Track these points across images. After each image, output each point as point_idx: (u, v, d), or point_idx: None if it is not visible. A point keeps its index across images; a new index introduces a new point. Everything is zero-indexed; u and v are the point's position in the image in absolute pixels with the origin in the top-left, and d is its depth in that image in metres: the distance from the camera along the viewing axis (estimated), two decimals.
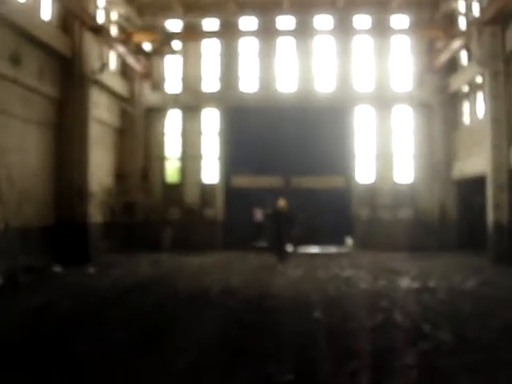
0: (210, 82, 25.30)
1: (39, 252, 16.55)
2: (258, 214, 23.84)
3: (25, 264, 15.35)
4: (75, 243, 17.78)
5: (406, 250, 21.41)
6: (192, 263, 18.77)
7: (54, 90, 17.85)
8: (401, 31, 23.72)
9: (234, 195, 24.65)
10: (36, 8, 16.64)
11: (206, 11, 24.43)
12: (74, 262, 17.14)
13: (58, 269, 16.40)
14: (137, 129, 24.51)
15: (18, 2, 15.46)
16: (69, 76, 18.30)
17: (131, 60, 22.90)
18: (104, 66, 19.10)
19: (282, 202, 18.13)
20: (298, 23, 24.14)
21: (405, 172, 24.71)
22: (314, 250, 23.64)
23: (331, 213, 23.83)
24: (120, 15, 23.31)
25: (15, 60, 15.22)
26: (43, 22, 16.95)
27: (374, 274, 15.17)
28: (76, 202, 18.11)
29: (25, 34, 15.69)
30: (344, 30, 23.59)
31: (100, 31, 18.62)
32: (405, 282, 13.51)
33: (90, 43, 18.69)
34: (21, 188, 15.94)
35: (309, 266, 17.48)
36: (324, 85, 24.82)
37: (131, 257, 20.75)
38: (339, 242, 23.95)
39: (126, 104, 24.21)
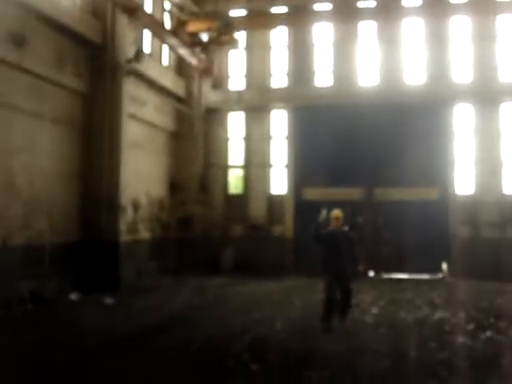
0: (279, 78, 21.79)
1: (54, 275, 13.60)
2: None
3: (28, 290, 12.45)
4: (101, 265, 14.70)
5: None
6: (245, 292, 15.29)
7: (78, 82, 14.92)
8: (507, 7, 19.20)
9: (306, 209, 20.63)
10: None
11: None
12: (99, 288, 14.12)
13: (74, 296, 13.46)
14: (195, 132, 21.31)
15: None
16: (98, 66, 15.35)
17: (185, 53, 19.77)
18: (140, 53, 15.94)
19: (336, 216, 10.28)
20: (380, 3, 20.18)
21: None
22: (401, 276, 19.51)
23: (423, 231, 19.61)
24: (174, 3, 20.31)
25: (18, 42, 12.36)
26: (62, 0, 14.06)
27: (476, 316, 11.08)
28: (104, 215, 15.06)
29: (36, 14, 12.85)
30: (437, 8, 19.38)
31: (136, 13, 15.55)
32: None
33: (124, 28, 15.77)
34: (28, 197, 13.03)
35: (390, 301, 13.54)
36: (414, 76, 20.63)
37: (179, 280, 17.62)
38: (433, 266, 19.59)
39: (182, 104, 21.14)
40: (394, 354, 7.97)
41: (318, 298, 13.52)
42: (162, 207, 20.17)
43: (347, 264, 10.15)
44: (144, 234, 18.70)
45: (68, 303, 12.72)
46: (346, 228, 10.47)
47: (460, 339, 9.06)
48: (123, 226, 15.81)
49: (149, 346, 8.64)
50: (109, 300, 12.91)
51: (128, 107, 16.33)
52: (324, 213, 10.14)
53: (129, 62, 15.70)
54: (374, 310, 12.04)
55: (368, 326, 10.23)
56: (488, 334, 9.46)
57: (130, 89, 16.66)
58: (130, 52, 15.93)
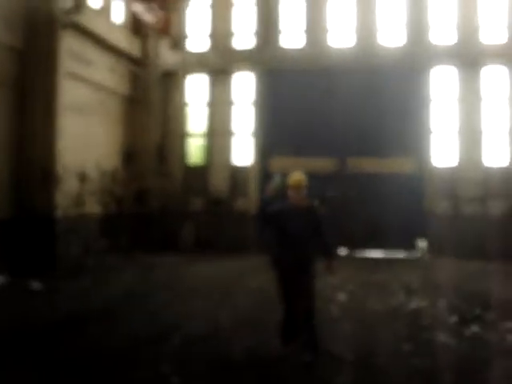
0: (244, 38, 19.87)
1: None
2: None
3: None
4: (35, 244, 12.90)
5: (500, 256, 15.46)
6: (198, 273, 13.67)
7: (10, 36, 12.98)
8: None
9: None
10: None
11: None
12: (32, 270, 12.34)
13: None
14: (151, 97, 19.43)
15: None
16: (32, 18, 13.37)
17: (140, 9, 17.80)
18: (80, 3, 13.94)
19: (297, 183, 6.73)
20: None
21: (498, 153, 18.54)
22: (374, 254, 18.01)
23: (399, 206, 18.05)
24: None
25: None
26: None
27: (459, 305, 9.54)
28: (38, 187, 13.22)
29: None
30: None
31: None
32: None
33: None
34: None
35: (360, 284, 11.99)
36: (390, 37, 18.88)
37: (130, 260, 15.98)
38: (409, 244, 18.10)
39: (137, 66, 19.22)
40: (358, 362, 6.36)
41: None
42: (115, 179, 18.31)
43: (310, 259, 6.70)
44: (93, 208, 16.88)
45: None
46: (312, 202, 6.89)
47: (440, 337, 7.47)
48: (63, 199, 13.97)
49: (45, 348, 6.93)
50: (36, 284, 11.15)
51: (69, 65, 14.46)
52: (277, 180, 7.13)
53: (67, 13, 13.71)
54: (341, 297, 10.46)
55: (331, 319, 8.57)
56: (474, 329, 7.91)
57: (73, 45, 14.81)
58: (69, 2, 13.94)
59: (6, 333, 7.56)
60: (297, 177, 6.77)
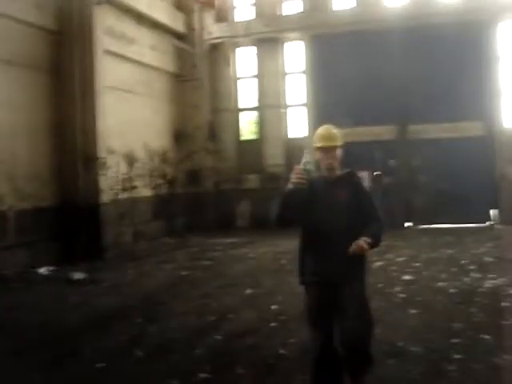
0: (292, 3, 18.79)
1: (19, 247, 11.39)
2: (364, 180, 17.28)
3: None
4: (80, 231, 12.42)
5: None
6: (253, 255, 12.96)
7: (41, 15, 12.37)
8: None
9: None
10: None
11: None
12: (77, 259, 11.94)
13: (44, 271, 11.17)
14: (199, 73, 18.63)
15: None
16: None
17: None
18: None
19: (327, 138, 4.29)
20: None
21: None
22: (442, 226, 16.79)
23: (467, 173, 16.76)
24: None
25: None
26: None
27: None
28: (81, 172, 12.66)
29: None
30: None
31: None
32: None
33: None
34: None
35: (427, 261, 10.93)
36: None
37: (183, 242, 15.43)
38: (479, 214, 16.76)
39: (182, 42, 18.45)
40: (431, 361, 5.38)
41: None
42: (165, 160, 17.77)
43: (356, 259, 4.10)
44: (144, 191, 16.39)
45: (28, 280, 10.36)
46: (351, 170, 4.44)
47: None
48: (109, 183, 13.47)
49: (60, 352, 6.19)
50: (79, 275, 10.56)
51: (108, 44, 13.85)
52: (308, 157, 4.11)
53: None
54: (407, 276, 9.46)
55: (396, 303, 7.62)
56: None
57: (110, 22, 14.18)
58: None
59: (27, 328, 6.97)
60: (324, 131, 4.38)
